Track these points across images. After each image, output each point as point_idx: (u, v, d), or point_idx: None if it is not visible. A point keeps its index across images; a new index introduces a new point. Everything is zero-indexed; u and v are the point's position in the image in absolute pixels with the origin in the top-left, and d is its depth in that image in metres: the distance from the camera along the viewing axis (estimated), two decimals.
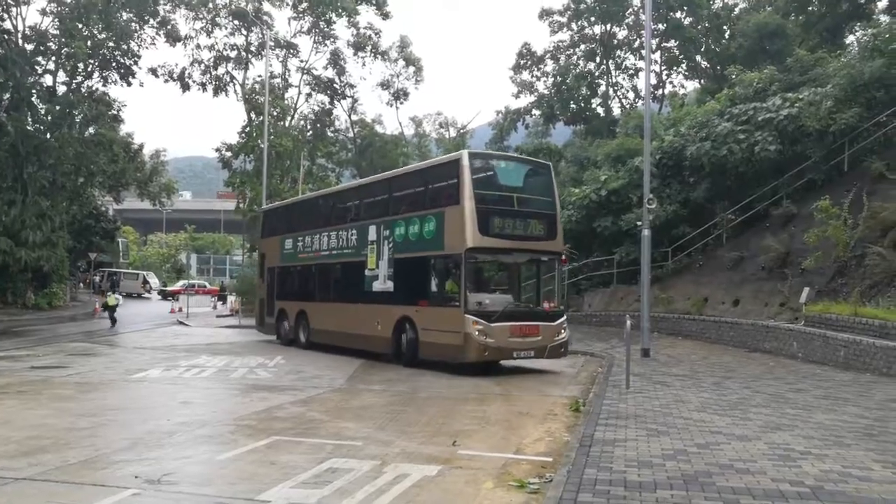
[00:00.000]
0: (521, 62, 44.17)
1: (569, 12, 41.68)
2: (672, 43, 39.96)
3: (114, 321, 26.88)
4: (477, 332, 13.08)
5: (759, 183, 21.47)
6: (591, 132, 40.51)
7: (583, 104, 42.43)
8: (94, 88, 38.32)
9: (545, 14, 42.62)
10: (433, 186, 15.00)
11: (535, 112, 44.96)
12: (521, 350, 13.63)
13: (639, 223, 17.00)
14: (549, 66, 43.73)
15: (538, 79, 44.26)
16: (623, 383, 10.92)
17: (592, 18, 41.42)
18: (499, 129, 46.90)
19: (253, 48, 44.18)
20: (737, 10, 37.92)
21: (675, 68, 41.40)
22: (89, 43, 35.63)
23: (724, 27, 37.62)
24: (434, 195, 14.77)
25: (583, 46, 42.76)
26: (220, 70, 44.11)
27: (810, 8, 31.02)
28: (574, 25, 42.24)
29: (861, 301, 14.50)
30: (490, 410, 9.98)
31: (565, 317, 14.68)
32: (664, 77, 41.63)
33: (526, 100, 45.25)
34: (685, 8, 37.32)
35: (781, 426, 7.81)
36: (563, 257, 15.35)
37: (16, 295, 34.97)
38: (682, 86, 42.63)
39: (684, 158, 22.59)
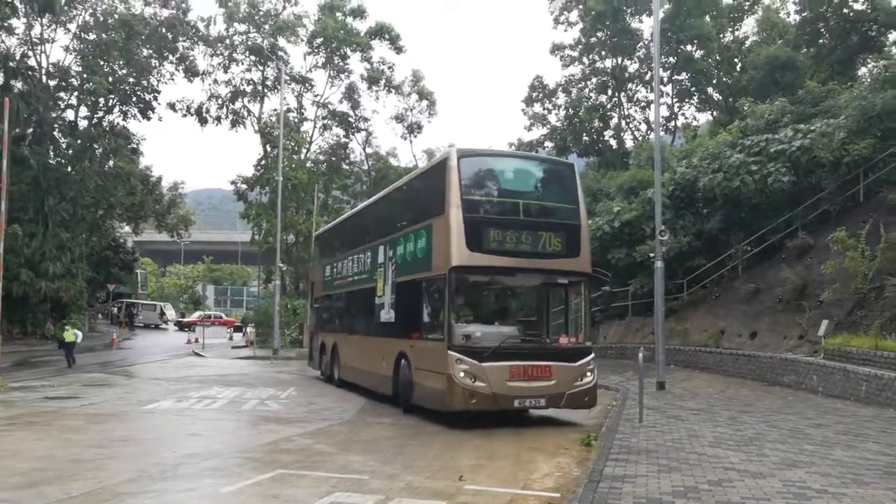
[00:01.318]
0: (534, 95, 44.52)
1: (580, 46, 42.10)
2: (683, 76, 40.15)
3: (71, 361, 22.06)
4: (462, 374, 10.49)
5: (773, 214, 21.30)
6: (603, 164, 40.56)
7: (595, 136, 42.57)
8: (114, 123, 39.24)
9: (556, 49, 43.07)
10: (424, 195, 12.82)
11: (548, 144, 45.15)
12: (527, 397, 10.79)
13: (652, 255, 16.88)
14: (562, 98, 44.03)
15: (550, 111, 44.53)
16: (636, 417, 10.73)
17: (603, 52, 41.78)
18: None
19: (269, 82, 44.99)
20: (748, 42, 38.14)
21: (686, 100, 41.53)
22: (110, 79, 36.62)
23: (735, 60, 37.79)
24: (425, 205, 12.44)
25: (594, 79, 43.06)
26: (237, 104, 44.91)
27: (821, 41, 31.11)
28: (585, 59, 42.61)
29: (882, 334, 14.21)
30: (498, 444, 9.83)
31: (592, 355, 11.67)
32: (676, 109, 41.77)
33: (538, 132, 45.48)
34: (695, 41, 37.60)
35: (798, 463, 7.60)
36: (605, 286, 12.84)
37: (35, 326, 35.32)
38: (695, 117, 42.72)
39: (697, 190, 22.50)
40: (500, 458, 8.86)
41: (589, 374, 11.36)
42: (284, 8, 44.52)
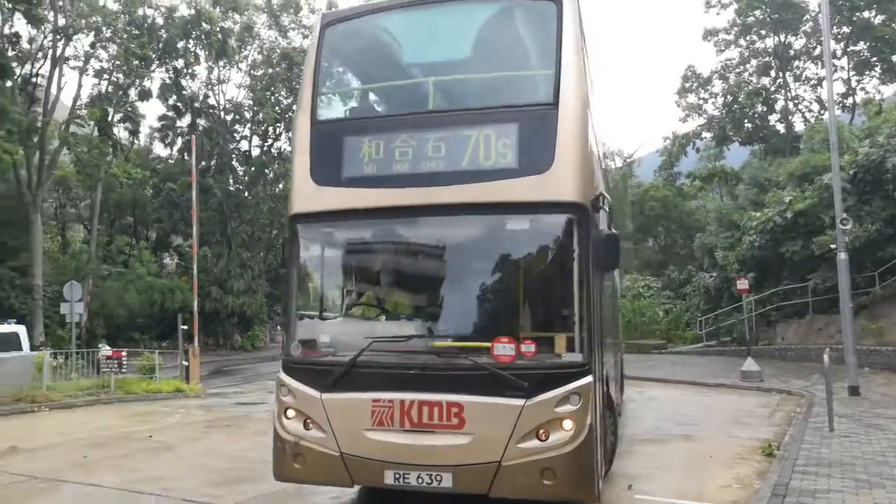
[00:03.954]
0: (686, 85, 42.25)
1: (735, 28, 39.35)
2: (861, 45, 36.12)
3: None
4: (288, 417, 5.93)
5: None
6: (770, 151, 37.51)
7: (758, 122, 39.52)
8: (281, 149, 42.82)
9: (709, 34, 40.57)
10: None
11: (706, 135, 42.63)
12: (410, 468, 5.50)
13: (833, 246, 15.27)
14: (718, 86, 41.39)
15: (706, 100, 42.04)
16: (825, 425, 9.74)
17: (763, 31, 38.73)
18: (667, 156, 44.99)
19: None
20: None
21: (867, 72, 37.28)
22: (277, 108, 40.14)
23: None
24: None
25: (754, 62, 40.04)
26: None
27: None
28: (742, 41, 39.76)
29: None
30: (669, 451, 9.38)
31: (589, 380, 5.39)
32: (854, 84, 37.65)
33: (694, 123, 43.09)
34: (874, 6, 33.68)
35: None
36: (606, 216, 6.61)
37: (225, 337, 39.48)
38: (878, 91, 38.22)
39: (885, 171, 20.07)
40: (672, 466, 8.45)
41: (569, 422, 5.27)
42: None
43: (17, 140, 23.68)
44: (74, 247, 38.96)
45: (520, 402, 5.28)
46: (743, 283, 21.17)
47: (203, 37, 36.68)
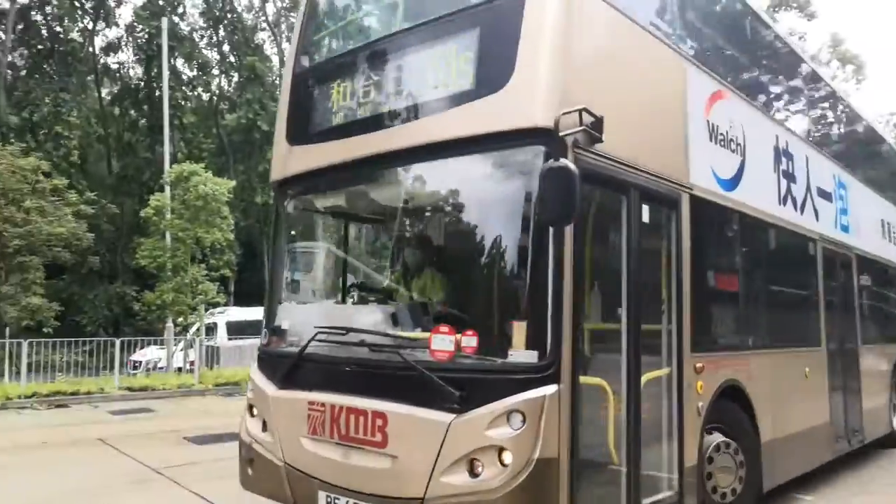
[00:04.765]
0: None
1: None
2: None
3: None
4: (250, 416, 4.88)
5: None
6: None
7: None
8: None
9: None
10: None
11: None
12: (339, 490, 4.06)
13: None
14: None
15: None
16: None
17: None
18: None
19: None
20: None
21: None
22: None
23: None
24: None
25: None
26: None
27: None
28: None
29: None
30: None
31: (545, 392, 3.48)
32: None
33: None
34: None
35: None
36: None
37: None
38: None
39: None
40: None
41: (509, 454, 3.48)
42: None
43: None
44: None
45: (447, 417, 3.60)
46: None
47: None
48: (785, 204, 6.45)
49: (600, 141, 3.80)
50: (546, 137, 3.63)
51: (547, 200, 3.45)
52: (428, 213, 4.76)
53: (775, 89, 7.34)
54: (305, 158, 4.89)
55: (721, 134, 5.37)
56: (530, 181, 3.65)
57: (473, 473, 3.52)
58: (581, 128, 3.65)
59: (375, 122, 4.41)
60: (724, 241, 5.66)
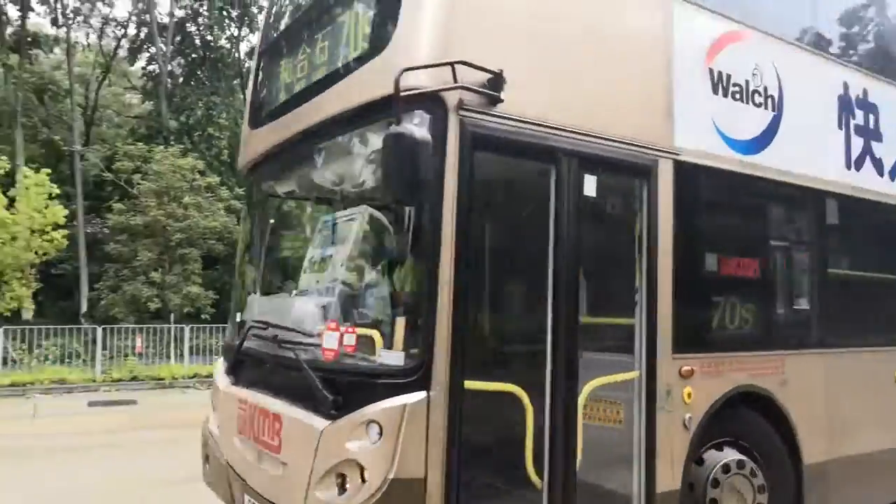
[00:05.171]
0: None
1: None
2: None
3: None
4: (212, 410, 4.76)
5: None
6: None
7: None
8: None
9: None
10: None
11: None
12: (256, 495, 3.78)
13: None
14: None
15: None
16: None
17: None
18: None
19: None
20: None
21: None
22: None
23: None
24: None
25: None
26: None
27: None
28: None
29: None
30: None
31: (406, 400, 3.01)
32: None
33: None
34: None
35: None
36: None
37: None
38: None
39: None
40: None
41: (367, 467, 3.04)
42: None
43: None
44: None
45: (322, 423, 3.21)
46: None
47: None
48: (859, 168, 5.12)
49: (499, 100, 3.15)
50: (429, 103, 3.08)
51: (387, 175, 2.96)
52: (320, 197, 4.47)
53: (845, 22, 5.81)
54: (254, 143, 4.73)
55: (736, 85, 4.27)
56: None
57: (342, 488, 3.11)
58: (457, 85, 3.02)
59: (294, 103, 4.12)
60: (739, 216, 4.52)
